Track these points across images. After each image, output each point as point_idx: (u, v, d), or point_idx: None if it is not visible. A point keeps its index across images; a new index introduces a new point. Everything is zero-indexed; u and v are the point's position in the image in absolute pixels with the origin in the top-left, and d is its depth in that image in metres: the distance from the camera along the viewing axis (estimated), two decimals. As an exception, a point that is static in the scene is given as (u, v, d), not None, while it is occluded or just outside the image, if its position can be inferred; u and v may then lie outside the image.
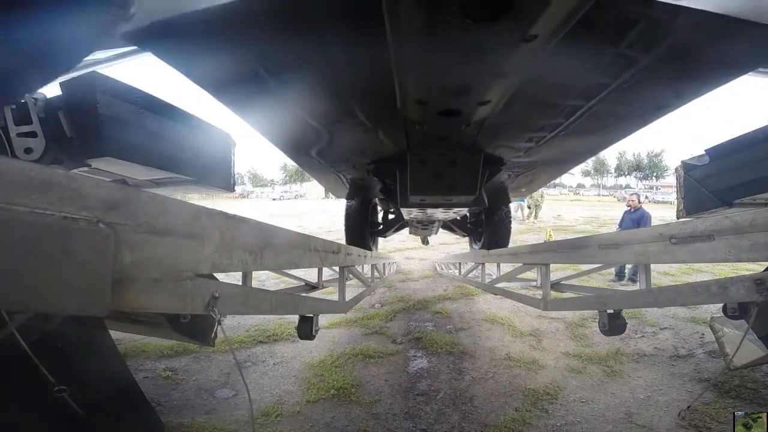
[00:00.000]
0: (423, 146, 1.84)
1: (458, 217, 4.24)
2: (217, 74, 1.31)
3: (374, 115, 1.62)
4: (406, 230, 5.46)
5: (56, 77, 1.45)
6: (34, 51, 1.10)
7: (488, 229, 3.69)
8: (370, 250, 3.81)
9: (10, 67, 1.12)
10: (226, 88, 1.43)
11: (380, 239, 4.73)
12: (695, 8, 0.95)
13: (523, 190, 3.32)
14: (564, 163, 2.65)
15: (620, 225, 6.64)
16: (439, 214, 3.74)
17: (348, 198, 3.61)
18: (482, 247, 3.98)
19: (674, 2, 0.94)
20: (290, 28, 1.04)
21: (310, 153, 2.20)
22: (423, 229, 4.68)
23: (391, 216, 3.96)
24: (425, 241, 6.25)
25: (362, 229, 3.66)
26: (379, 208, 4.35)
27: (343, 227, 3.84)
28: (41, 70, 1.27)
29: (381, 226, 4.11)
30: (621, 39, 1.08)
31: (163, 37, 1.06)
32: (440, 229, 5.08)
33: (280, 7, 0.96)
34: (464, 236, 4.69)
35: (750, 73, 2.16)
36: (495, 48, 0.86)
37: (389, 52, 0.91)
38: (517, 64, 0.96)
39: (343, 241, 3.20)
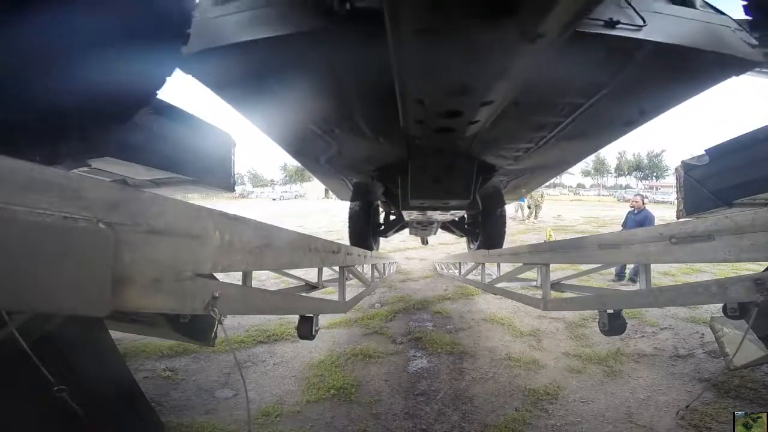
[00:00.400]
0: (422, 156, 2.05)
1: (456, 219, 4.46)
2: (246, 96, 1.58)
3: (381, 131, 1.88)
4: (406, 231, 5.69)
5: (135, 112, 1.51)
6: (113, 90, 1.20)
7: (484, 229, 3.85)
8: (372, 249, 3.99)
9: (91, 107, 1.22)
10: (255, 108, 1.74)
11: (381, 239, 5.02)
12: (653, 40, 1.24)
13: (523, 190, 3.72)
14: (552, 169, 2.95)
15: (624, 226, 6.63)
16: (438, 215, 3.94)
17: (352, 200, 3.83)
18: (479, 247, 4.14)
19: (634, 36, 1.19)
20: (317, 68, 1.37)
21: (320, 161, 2.48)
22: (422, 229, 4.96)
23: (392, 217, 4.18)
24: (425, 241, 6.67)
25: (365, 230, 3.82)
26: (380, 209, 4.57)
27: (342, 227, 4.07)
28: (121, 108, 1.42)
29: (383, 227, 4.32)
30: (596, 65, 1.37)
31: (205, 63, 1.32)
32: (439, 230, 5.32)
33: (305, 49, 1.27)
34: (462, 236, 4.94)
35: (750, 73, 2.32)
36: (477, 80, 1.18)
37: (395, 88, 1.25)
38: (496, 93, 1.28)
39: (343, 240, 3.27)
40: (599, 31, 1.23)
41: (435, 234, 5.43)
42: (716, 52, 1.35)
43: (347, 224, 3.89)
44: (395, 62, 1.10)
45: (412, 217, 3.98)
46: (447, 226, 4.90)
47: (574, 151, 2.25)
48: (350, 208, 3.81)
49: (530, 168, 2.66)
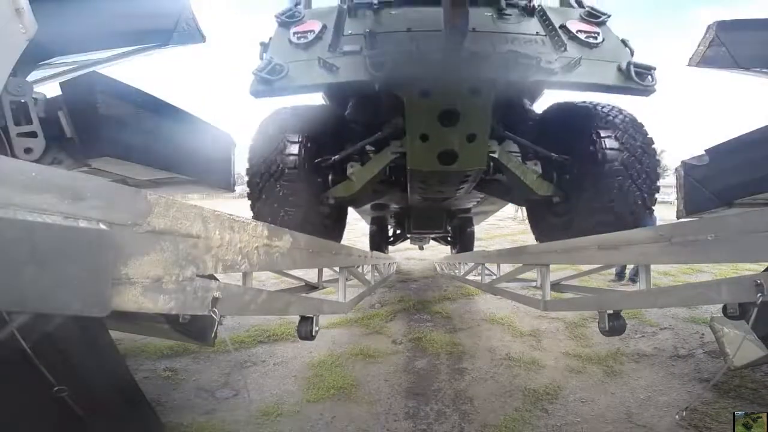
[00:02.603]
0: (418, 211, 3.99)
1: (441, 235, 6.61)
2: None
3: (398, 203, 3.70)
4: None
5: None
6: None
7: (461, 241, 6.07)
8: (386, 253, 5.89)
9: None
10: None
11: (389, 246, 7.32)
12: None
13: (482, 216, 5.82)
14: (488, 212, 5.24)
15: None
16: (428, 235, 6.57)
17: (371, 224, 5.94)
18: (457, 252, 6.23)
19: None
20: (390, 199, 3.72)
21: (367, 211, 4.10)
22: (419, 241, 7.44)
23: (398, 232, 6.18)
24: (421, 248, 8.86)
25: (381, 242, 5.88)
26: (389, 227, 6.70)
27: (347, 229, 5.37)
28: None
29: (391, 238, 6.26)
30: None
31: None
32: (431, 240, 7.91)
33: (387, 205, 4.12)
34: (446, 245, 7.36)
35: (750, 73, 2.43)
36: (442, 191, 2.94)
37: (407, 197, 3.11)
38: (452, 192, 3.05)
39: (343, 241, 3.38)
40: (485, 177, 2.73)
41: (428, 243, 7.80)
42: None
43: (367, 237, 6.34)
44: (409, 189, 2.72)
45: (411, 234, 5.85)
46: (436, 239, 7.10)
47: (496, 204, 4.03)
48: (370, 228, 5.91)
49: (477, 212, 4.90)
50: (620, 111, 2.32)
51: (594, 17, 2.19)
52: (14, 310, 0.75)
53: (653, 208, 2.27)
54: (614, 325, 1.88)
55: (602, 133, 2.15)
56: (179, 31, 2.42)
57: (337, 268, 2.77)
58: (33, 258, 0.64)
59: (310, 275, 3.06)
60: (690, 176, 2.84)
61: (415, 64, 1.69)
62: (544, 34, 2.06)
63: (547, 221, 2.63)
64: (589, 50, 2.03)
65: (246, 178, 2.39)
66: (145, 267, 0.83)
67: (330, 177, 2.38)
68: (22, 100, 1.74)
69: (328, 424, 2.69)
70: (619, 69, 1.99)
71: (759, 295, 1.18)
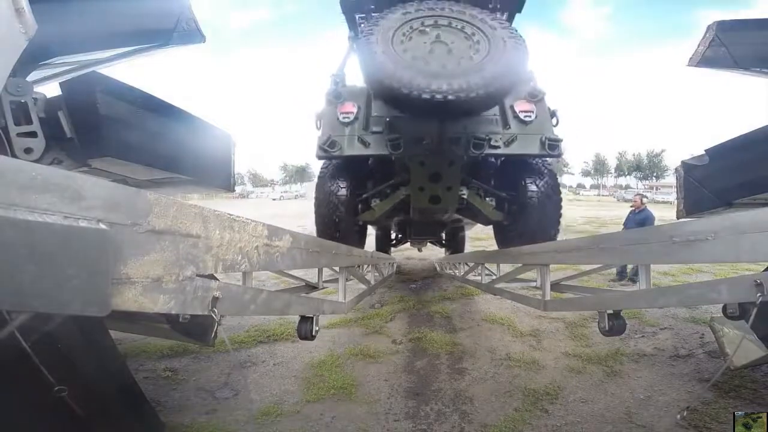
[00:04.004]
0: (417, 222, 4.17)
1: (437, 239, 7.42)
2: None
3: (403, 218, 4.10)
4: None
5: None
6: None
7: (452, 244, 7.31)
8: (389, 254, 6.54)
9: None
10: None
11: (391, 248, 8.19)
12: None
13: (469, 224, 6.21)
14: (472, 224, 5.40)
15: (625, 225, 6.69)
16: (426, 239, 7.18)
17: (377, 230, 6.36)
18: (450, 253, 7.41)
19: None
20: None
21: (380, 221, 4.29)
22: (418, 244, 8.06)
23: (400, 236, 6.71)
24: (419, 249, 9.56)
25: (385, 245, 6.55)
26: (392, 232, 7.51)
27: None
28: None
29: (394, 242, 6.82)
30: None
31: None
32: (428, 243, 8.71)
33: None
34: (441, 248, 8.23)
35: (750, 73, 2.44)
36: (432, 215, 3.70)
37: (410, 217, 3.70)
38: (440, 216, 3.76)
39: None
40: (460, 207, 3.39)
41: (425, 246, 8.57)
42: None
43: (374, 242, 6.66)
44: (411, 214, 3.45)
45: (411, 239, 6.49)
46: (432, 242, 7.84)
47: (479, 216, 3.93)
48: (376, 232, 6.40)
49: (466, 222, 5.20)
50: (543, 165, 3.29)
51: (534, 96, 2.99)
52: (14, 310, 0.75)
53: (559, 228, 3.37)
54: (614, 325, 1.88)
55: (528, 181, 3.16)
56: (179, 31, 2.43)
57: (337, 268, 2.77)
58: (33, 258, 0.64)
59: (311, 275, 3.06)
60: (690, 176, 2.84)
61: (416, 147, 2.64)
62: (498, 114, 2.91)
63: (502, 234, 3.74)
64: (524, 126, 2.94)
65: (314, 204, 3.50)
66: (145, 267, 0.83)
67: (360, 206, 3.44)
68: (22, 100, 1.74)
69: (328, 424, 2.69)
70: (541, 141, 2.90)
71: (759, 295, 1.18)
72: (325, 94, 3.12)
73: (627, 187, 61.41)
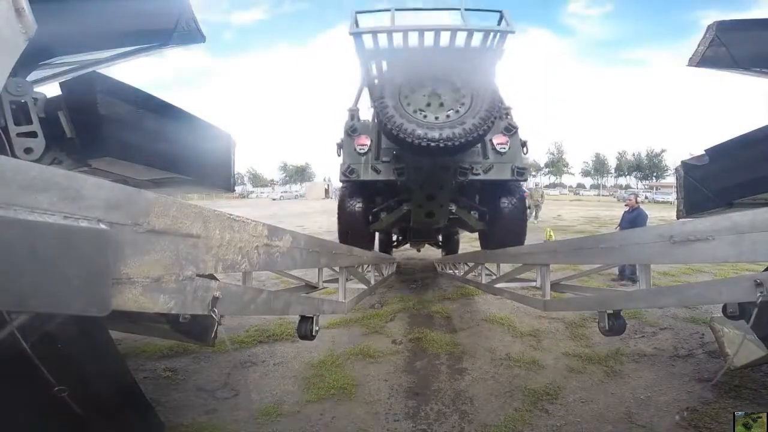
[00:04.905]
0: (417, 227, 4.63)
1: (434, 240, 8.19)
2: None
3: (403, 223, 4.61)
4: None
5: None
6: None
7: (449, 245, 7.82)
8: (390, 255, 7.11)
9: None
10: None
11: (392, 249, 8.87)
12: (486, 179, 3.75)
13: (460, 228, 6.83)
14: (463, 230, 6.08)
15: (620, 225, 6.75)
16: (424, 241, 7.93)
17: (380, 233, 6.73)
18: (446, 254, 7.91)
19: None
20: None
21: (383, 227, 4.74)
22: (417, 245, 8.66)
23: (401, 239, 7.32)
24: (418, 250, 10.05)
25: (387, 247, 7.20)
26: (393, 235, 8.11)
27: None
28: None
29: (396, 243, 7.42)
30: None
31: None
32: (426, 245, 9.44)
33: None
34: (438, 248, 8.70)
35: (750, 73, 2.44)
36: (428, 224, 4.35)
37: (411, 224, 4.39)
38: (436, 223, 4.38)
39: None
40: (451, 218, 4.24)
41: (424, 247, 9.21)
42: None
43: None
44: (413, 221, 4.14)
45: (411, 241, 7.27)
46: (430, 244, 8.59)
47: (465, 226, 4.75)
48: (379, 236, 6.67)
49: (458, 229, 5.99)
50: (516, 186, 4.06)
51: (509, 131, 3.74)
52: (14, 310, 0.75)
53: (525, 236, 4.15)
54: (614, 325, 1.88)
55: (503, 198, 3.96)
56: (179, 31, 2.43)
57: (337, 268, 2.77)
58: (33, 258, 0.64)
59: (311, 275, 3.06)
60: (690, 176, 2.84)
61: (416, 174, 3.47)
62: (480, 145, 3.52)
63: (484, 239, 4.60)
64: (500, 156, 3.69)
65: (337, 216, 4.34)
66: (145, 267, 0.83)
67: (371, 218, 4.26)
68: (22, 100, 1.74)
69: (328, 424, 2.69)
70: (512, 169, 3.68)
71: (759, 295, 1.18)
72: (344, 127, 3.98)
73: (627, 187, 61.39)
